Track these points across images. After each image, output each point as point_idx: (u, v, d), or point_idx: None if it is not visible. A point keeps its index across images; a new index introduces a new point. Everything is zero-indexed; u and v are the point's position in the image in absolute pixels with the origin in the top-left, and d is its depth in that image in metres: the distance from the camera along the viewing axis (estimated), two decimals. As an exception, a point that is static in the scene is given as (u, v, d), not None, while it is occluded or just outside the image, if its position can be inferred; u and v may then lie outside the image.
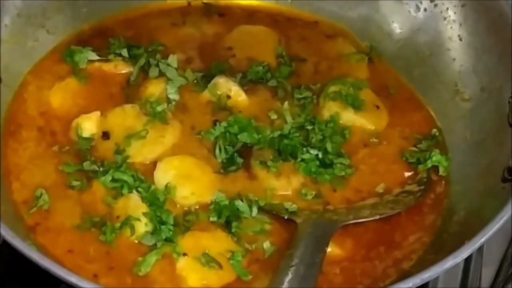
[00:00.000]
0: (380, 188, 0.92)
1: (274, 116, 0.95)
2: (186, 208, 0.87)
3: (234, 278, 0.83)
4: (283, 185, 0.90)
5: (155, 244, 0.83)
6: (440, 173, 0.93)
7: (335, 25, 1.08)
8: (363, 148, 0.95)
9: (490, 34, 0.97)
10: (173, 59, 0.99)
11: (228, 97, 0.97)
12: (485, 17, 0.98)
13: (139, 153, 0.91)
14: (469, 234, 0.79)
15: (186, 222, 0.86)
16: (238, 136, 0.91)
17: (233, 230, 0.85)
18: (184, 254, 0.83)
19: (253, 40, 1.05)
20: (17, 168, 0.89)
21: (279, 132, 0.93)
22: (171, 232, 0.84)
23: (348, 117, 0.96)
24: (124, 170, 0.87)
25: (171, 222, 0.84)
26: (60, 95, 0.96)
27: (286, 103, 0.96)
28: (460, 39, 1.00)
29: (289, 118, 0.94)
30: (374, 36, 1.07)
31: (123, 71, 0.99)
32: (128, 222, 0.84)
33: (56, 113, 0.95)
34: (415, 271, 0.77)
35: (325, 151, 0.92)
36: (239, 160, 0.91)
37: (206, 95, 0.97)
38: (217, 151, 0.91)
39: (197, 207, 0.87)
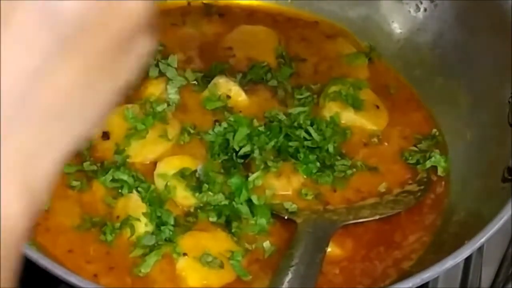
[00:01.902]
0: (382, 188, 0.92)
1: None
2: (186, 209, 0.87)
3: (234, 278, 0.83)
4: (283, 185, 0.90)
5: (155, 244, 0.83)
6: (439, 173, 0.93)
7: (335, 25, 1.08)
8: (363, 148, 0.95)
9: (491, 33, 0.97)
10: (173, 59, 0.99)
11: (228, 97, 0.97)
12: (486, 17, 0.98)
13: (139, 153, 0.91)
14: (469, 234, 0.79)
15: (187, 222, 0.86)
16: (238, 144, 0.91)
17: (233, 230, 0.85)
18: (184, 254, 0.83)
19: (253, 40, 1.05)
20: (17, 168, 0.89)
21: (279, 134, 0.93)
22: (171, 233, 0.84)
23: (348, 117, 0.96)
24: (124, 170, 0.87)
25: (172, 222, 0.84)
26: (60, 95, 0.96)
27: (275, 110, 0.95)
28: (460, 39, 1.00)
29: (285, 120, 0.94)
30: (374, 36, 1.06)
31: (123, 71, 0.99)
32: (128, 222, 0.84)
33: (56, 113, 0.95)
34: (415, 271, 0.77)
35: (326, 152, 0.92)
36: (239, 160, 0.91)
37: (206, 95, 0.97)
38: (216, 151, 0.91)
39: (197, 207, 0.87)
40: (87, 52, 0.40)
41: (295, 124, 0.93)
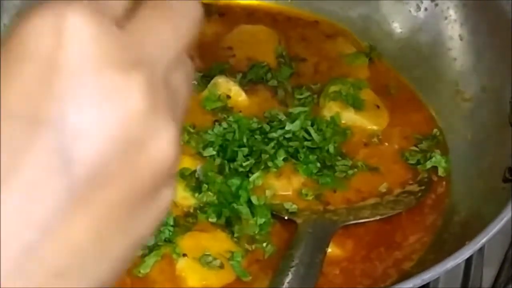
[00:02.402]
0: (383, 188, 0.91)
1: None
2: (185, 209, 0.87)
3: (234, 279, 0.82)
4: (284, 185, 0.90)
5: (155, 245, 0.83)
6: (439, 174, 0.93)
7: (336, 25, 1.08)
8: (364, 148, 0.95)
9: (491, 33, 0.97)
10: (172, 59, 0.98)
11: (228, 97, 0.96)
12: (486, 17, 0.98)
13: (139, 153, 0.90)
14: (470, 235, 0.78)
15: (186, 222, 0.86)
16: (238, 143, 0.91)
17: (233, 231, 0.85)
18: (184, 255, 0.82)
19: (253, 40, 1.04)
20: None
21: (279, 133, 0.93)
22: (171, 233, 0.83)
23: (349, 117, 0.96)
24: (124, 170, 0.87)
25: (171, 222, 0.84)
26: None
27: (275, 110, 0.95)
28: (461, 39, 1.00)
29: (285, 120, 0.93)
30: (375, 36, 1.06)
31: (123, 71, 0.99)
32: (127, 222, 0.83)
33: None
34: (416, 272, 0.77)
35: (326, 152, 0.92)
36: (239, 161, 0.90)
37: (205, 95, 0.96)
38: (216, 151, 0.91)
39: (197, 207, 0.87)
40: (101, 205, 0.35)
41: (295, 125, 0.92)
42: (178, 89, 0.40)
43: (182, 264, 0.82)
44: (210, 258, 0.82)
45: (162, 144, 0.36)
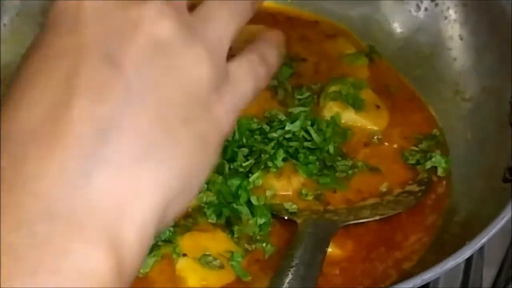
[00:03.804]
0: (384, 187, 0.91)
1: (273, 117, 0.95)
2: (185, 209, 0.87)
3: (234, 279, 0.82)
4: (284, 185, 0.90)
5: (155, 245, 0.83)
6: (439, 174, 0.93)
7: (336, 24, 1.08)
8: (364, 148, 0.95)
9: (491, 33, 0.97)
10: (173, 59, 0.98)
11: (228, 97, 0.96)
12: (486, 17, 0.98)
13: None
14: (470, 235, 0.78)
15: (186, 222, 0.86)
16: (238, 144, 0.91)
17: (233, 231, 0.85)
18: (184, 255, 0.82)
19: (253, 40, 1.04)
20: (16, 168, 0.89)
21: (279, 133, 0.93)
22: (170, 233, 0.83)
23: (349, 117, 0.96)
24: (124, 170, 0.87)
25: (171, 223, 0.84)
26: (60, 95, 0.96)
27: (275, 110, 0.95)
28: (461, 39, 1.00)
29: (285, 121, 0.93)
30: (375, 36, 1.06)
31: (123, 71, 0.98)
32: (127, 222, 0.83)
33: (56, 113, 0.94)
34: (416, 272, 0.77)
35: (327, 153, 0.92)
36: (239, 162, 0.90)
37: (206, 95, 0.96)
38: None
39: (197, 207, 0.87)
40: (156, 102, 0.42)
41: (295, 125, 0.92)
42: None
43: (182, 264, 0.82)
44: (210, 258, 0.82)
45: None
